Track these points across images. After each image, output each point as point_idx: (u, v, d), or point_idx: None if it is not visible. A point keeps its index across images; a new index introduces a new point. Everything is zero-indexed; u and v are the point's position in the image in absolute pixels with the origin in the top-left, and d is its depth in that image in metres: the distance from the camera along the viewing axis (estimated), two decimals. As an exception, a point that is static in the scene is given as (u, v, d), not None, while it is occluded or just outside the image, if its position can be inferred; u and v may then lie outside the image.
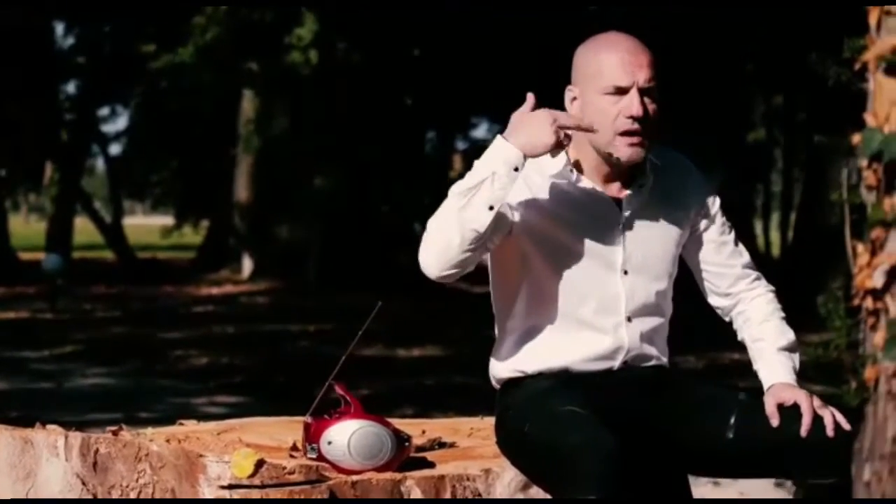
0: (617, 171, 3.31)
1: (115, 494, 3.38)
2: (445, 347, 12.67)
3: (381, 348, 12.57)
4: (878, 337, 1.69)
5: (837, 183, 3.58)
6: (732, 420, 3.27)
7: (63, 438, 3.46)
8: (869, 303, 1.73)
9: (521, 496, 3.34)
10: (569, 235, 3.28)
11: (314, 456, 3.33)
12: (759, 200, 27.00)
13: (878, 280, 1.74)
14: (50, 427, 3.56)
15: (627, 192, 3.32)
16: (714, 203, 3.43)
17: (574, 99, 3.28)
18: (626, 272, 3.32)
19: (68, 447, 3.45)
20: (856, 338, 1.72)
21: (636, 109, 3.20)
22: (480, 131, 24.89)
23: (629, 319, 3.33)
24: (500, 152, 3.14)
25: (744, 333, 3.43)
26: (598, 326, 3.32)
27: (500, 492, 3.34)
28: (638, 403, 3.34)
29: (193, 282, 22.22)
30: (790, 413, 3.20)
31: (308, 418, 3.40)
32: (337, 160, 20.10)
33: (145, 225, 44.93)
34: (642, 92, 3.21)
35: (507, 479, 3.35)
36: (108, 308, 17.71)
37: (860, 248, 1.62)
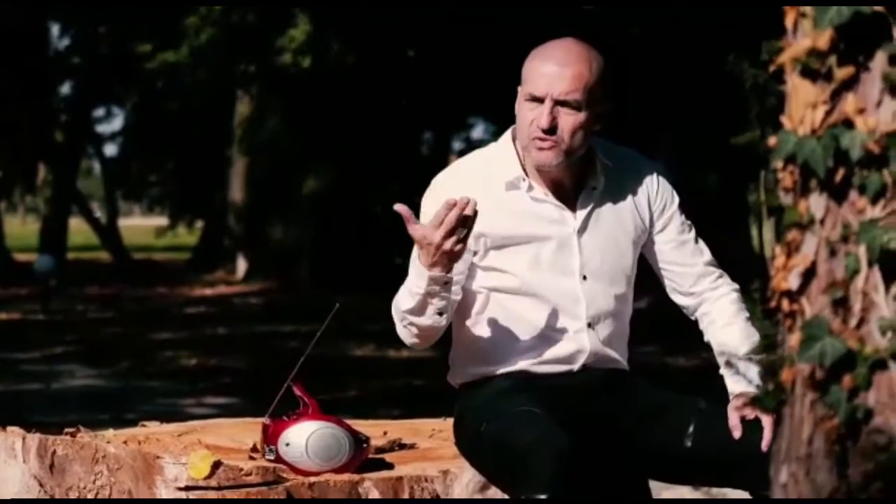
0: (566, 176, 3.31)
1: (73, 496, 3.38)
2: (436, 348, 12.67)
3: (372, 349, 12.58)
4: (795, 339, 1.69)
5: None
6: (691, 428, 3.27)
7: (20, 440, 3.47)
8: (785, 305, 1.73)
9: (479, 497, 3.34)
10: (524, 243, 3.29)
11: (272, 457, 3.33)
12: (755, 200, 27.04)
13: (793, 282, 1.73)
14: (10, 429, 3.56)
15: (580, 196, 3.32)
16: (672, 201, 3.42)
17: (518, 102, 3.30)
18: (584, 277, 3.32)
19: (26, 449, 3.45)
20: (774, 339, 1.73)
21: (543, 121, 3.21)
22: (477, 132, 24.86)
23: (590, 325, 3.33)
24: (421, 277, 3.18)
25: (709, 336, 3.42)
26: (558, 332, 3.33)
27: (458, 493, 3.34)
28: (597, 406, 3.34)
29: (188, 282, 22.23)
30: (750, 425, 3.20)
31: (266, 420, 3.40)
32: (331, 161, 20.11)
33: (142, 226, 44.91)
34: (558, 103, 3.21)
35: (466, 480, 3.35)
36: (100, 309, 17.70)
37: (777, 249, 1.63)
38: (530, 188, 3.30)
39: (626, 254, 3.37)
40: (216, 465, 3.26)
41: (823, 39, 1.75)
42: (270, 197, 21.10)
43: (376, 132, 20.00)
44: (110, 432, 3.62)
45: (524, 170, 3.31)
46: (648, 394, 3.39)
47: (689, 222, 3.44)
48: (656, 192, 3.41)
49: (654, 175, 3.43)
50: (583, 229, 3.32)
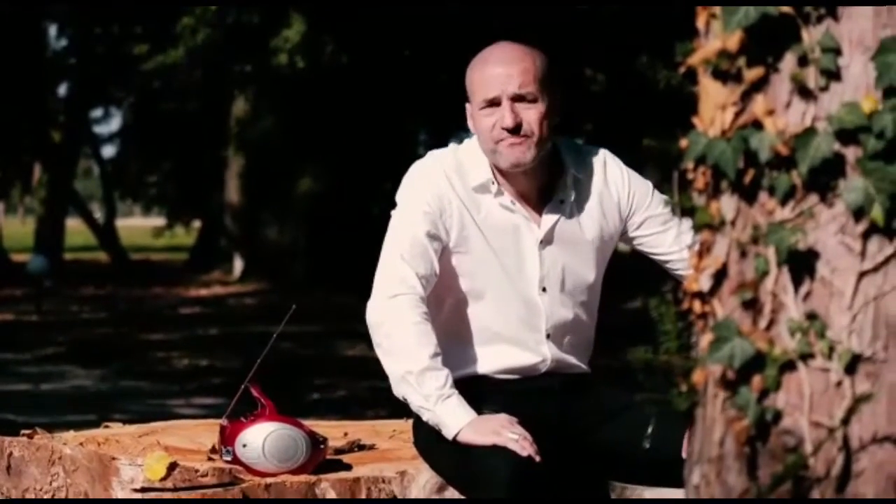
0: (532, 185, 3.30)
1: (30, 497, 3.38)
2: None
3: (363, 349, 12.58)
4: (706, 340, 1.69)
5: None
6: (650, 430, 3.26)
7: (-22, 442, 3.47)
8: (697, 306, 1.73)
9: (436, 497, 3.35)
10: (487, 252, 3.28)
11: (229, 458, 3.33)
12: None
13: (704, 283, 1.73)
14: (-31, 431, 3.56)
15: (546, 208, 3.31)
16: (646, 196, 3.38)
17: (471, 116, 3.31)
18: (544, 289, 3.31)
19: (-17, 451, 3.45)
20: (687, 341, 1.73)
21: (508, 120, 3.20)
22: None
23: (549, 336, 3.32)
24: (445, 421, 3.14)
25: None
26: (518, 342, 3.32)
27: (415, 494, 3.34)
28: (556, 409, 3.34)
29: (184, 283, 22.24)
30: None
31: (224, 421, 3.40)
32: (327, 161, 20.09)
33: (142, 226, 44.96)
34: (516, 99, 3.21)
35: (423, 481, 3.35)
36: (94, 310, 17.70)
37: (689, 251, 1.65)
38: (499, 193, 3.28)
39: (591, 265, 3.36)
40: (172, 466, 3.26)
41: (733, 41, 1.75)
42: (266, 197, 21.10)
43: (372, 132, 19.99)
44: (69, 434, 3.61)
45: (494, 174, 3.30)
46: (608, 396, 3.39)
47: (668, 209, 3.39)
48: (627, 194, 3.38)
49: (624, 175, 3.40)
50: (547, 241, 3.30)
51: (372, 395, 9.86)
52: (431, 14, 16.32)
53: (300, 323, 15.08)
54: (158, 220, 36.50)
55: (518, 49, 3.27)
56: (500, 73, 3.22)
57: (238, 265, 22.43)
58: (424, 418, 3.16)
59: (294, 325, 15.70)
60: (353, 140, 19.72)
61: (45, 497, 3.37)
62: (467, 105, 3.31)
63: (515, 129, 3.20)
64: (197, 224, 30.40)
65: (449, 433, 3.12)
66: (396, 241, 3.26)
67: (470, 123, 3.32)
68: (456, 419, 3.12)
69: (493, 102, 3.22)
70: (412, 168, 3.32)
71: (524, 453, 3.03)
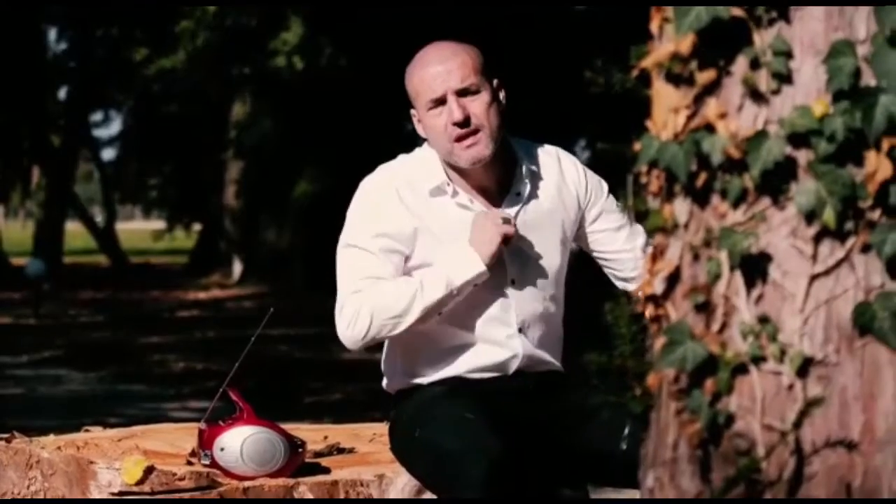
0: (490, 180, 3.31)
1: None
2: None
3: (359, 352, 12.57)
4: (659, 343, 1.70)
5: None
6: (626, 430, 3.26)
7: (-44, 446, 3.47)
8: (651, 309, 1.74)
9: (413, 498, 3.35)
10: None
11: (207, 462, 3.33)
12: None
13: (658, 287, 1.74)
14: (-51, 434, 3.56)
15: (504, 202, 3.32)
16: (601, 191, 3.42)
17: (419, 121, 3.33)
18: (513, 282, 3.32)
19: (-40, 454, 3.45)
20: (641, 344, 1.73)
21: (455, 115, 3.24)
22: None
23: (521, 330, 3.33)
24: (471, 274, 3.22)
25: None
26: (489, 338, 3.32)
27: (393, 497, 3.34)
28: (532, 409, 3.33)
29: (183, 286, 22.24)
30: None
31: (202, 424, 3.40)
32: (325, 164, 20.10)
33: (142, 229, 44.97)
34: (461, 93, 3.24)
35: (401, 484, 3.35)
36: (92, 313, 17.70)
37: (644, 254, 1.64)
38: (455, 193, 3.30)
39: (555, 256, 3.37)
40: (149, 470, 3.26)
41: (685, 44, 1.75)
42: (264, 200, 21.10)
43: (370, 135, 20.00)
44: (48, 437, 3.62)
45: (448, 176, 3.32)
46: (584, 396, 3.38)
47: (621, 206, 3.42)
48: (584, 187, 3.41)
49: (579, 169, 3.43)
50: None
51: (368, 397, 9.86)
52: (430, 16, 16.33)
53: (297, 326, 15.10)
54: (159, 223, 36.52)
55: (451, 45, 3.31)
56: (440, 70, 3.25)
57: (237, 268, 22.44)
58: (465, 293, 3.23)
59: (291, 328, 15.74)
60: (352, 142, 19.73)
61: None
62: (412, 112, 3.33)
63: (465, 122, 3.23)
64: (197, 227, 30.41)
65: (478, 271, 3.22)
66: (349, 265, 3.30)
67: (419, 129, 3.34)
68: (467, 265, 3.22)
69: (439, 101, 3.25)
70: (362, 186, 3.35)
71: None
